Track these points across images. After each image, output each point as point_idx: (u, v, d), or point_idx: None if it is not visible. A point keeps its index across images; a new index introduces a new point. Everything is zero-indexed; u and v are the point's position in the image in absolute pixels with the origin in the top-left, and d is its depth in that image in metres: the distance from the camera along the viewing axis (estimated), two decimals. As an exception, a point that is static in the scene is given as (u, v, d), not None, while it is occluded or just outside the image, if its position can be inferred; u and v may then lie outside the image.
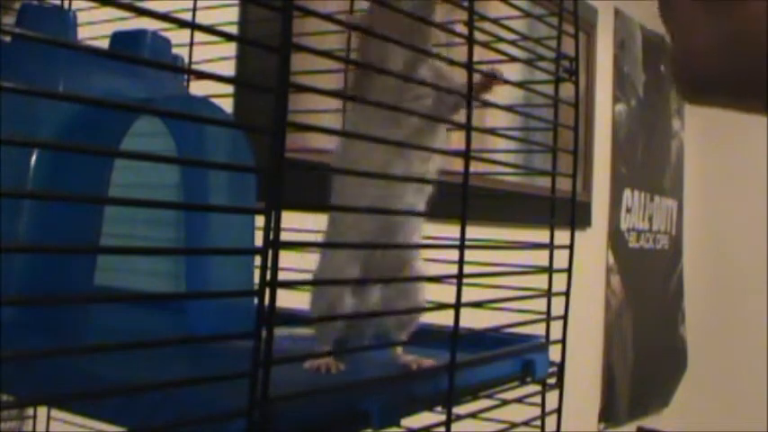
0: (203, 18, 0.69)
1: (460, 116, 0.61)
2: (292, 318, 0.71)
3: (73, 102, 0.39)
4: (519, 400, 0.69)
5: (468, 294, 0.60)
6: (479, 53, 0.62)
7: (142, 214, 0.76)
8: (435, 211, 0.63)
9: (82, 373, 0.52)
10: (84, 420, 0.69)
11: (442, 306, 0.61)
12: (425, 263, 0.67)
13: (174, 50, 0.82)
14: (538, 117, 0.74)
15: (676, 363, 3.28)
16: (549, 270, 0.73)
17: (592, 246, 2.60)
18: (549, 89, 0.74)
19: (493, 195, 1.87)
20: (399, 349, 0.65)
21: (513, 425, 0.65)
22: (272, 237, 0.42)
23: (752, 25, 0.34)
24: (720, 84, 0.37)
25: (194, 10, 0.87)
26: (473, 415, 0.64)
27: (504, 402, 0.67)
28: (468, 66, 0.59)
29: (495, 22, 0.66)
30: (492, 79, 0.63)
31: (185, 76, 0.87)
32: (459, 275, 0.58)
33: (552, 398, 0.72)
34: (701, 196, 3.40)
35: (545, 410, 0.71)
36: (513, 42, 0.69)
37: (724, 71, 0.36)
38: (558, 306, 0.73)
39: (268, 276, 0.43)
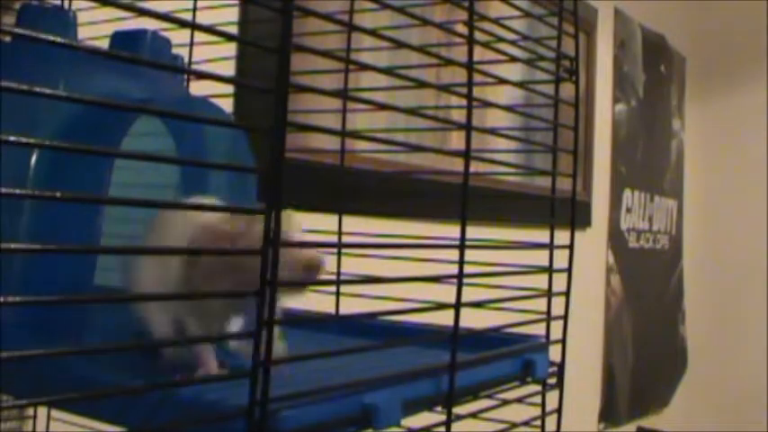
0: (203, 18, 0.69)
1: (460, 116, 0.61)
2: (292, 318, 0.71)
3: (73, 102, 0.39)
4: (519, 400, 0.69)
5: (469, 294, 0.60)
6: (479, 53, 0.62)
7: (142, 214, 0.75)
8: (436, 212, 0.63)
9: (82, 372, 0.52)
10: (84, 420, 0.69)
11: (441, 306, 0.61)
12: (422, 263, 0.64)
13: (174, 50, 0.82)
14: (538, 117, 0.74)
15: (676, 363, 3.28)
16: (549, 270, 0.73)
17: (592, 246, 2.60)
18: (549, 89, 0.74)
19: (493, 195, 1.87)
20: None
21: (513, 425, 0.65)
22: (272, 237, 0.42)
23: None
24: None
25: (194, 10, 0.87)
26: (473, 415, 0.64)
27: (505, 402, 0.67)
28: (469, 65, 0.59)
29: (495, 22, 0.66)
30: (317, 268, 0.54)
31: (185, 76, 0.87)
32: (460, 275, 0.58)
33: (552, 398, 0.72)
34: (701, 196, 3.40)
35: (545, 410, 0.71)
36: (513, 42, 0.69)
37: None
38: (558, 306, 0.73)
39: (268, 276, 0.43)
